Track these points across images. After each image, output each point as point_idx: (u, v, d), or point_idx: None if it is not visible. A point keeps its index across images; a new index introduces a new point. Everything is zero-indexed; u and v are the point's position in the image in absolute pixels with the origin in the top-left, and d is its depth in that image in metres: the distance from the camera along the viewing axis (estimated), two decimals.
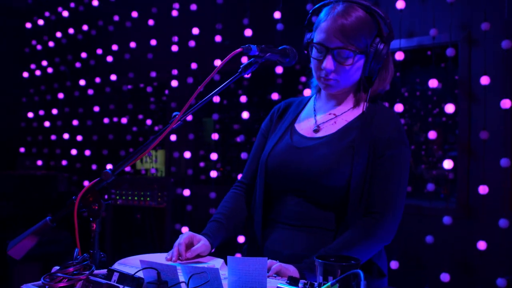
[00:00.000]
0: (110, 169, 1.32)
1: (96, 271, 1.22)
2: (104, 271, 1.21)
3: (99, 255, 1.33)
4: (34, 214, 4.68)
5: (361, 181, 1.48)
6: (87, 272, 1.13)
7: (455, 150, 3.68)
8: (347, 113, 1.61)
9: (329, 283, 0.94)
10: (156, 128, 5.27)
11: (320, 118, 1.64)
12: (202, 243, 1.49)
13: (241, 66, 1.38)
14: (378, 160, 1.50)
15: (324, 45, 1.52)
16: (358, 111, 1.60)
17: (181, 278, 1.12)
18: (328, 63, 1.51)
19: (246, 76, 1.40)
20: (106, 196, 4.42)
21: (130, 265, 1.34)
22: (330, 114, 1.63)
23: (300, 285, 1.05)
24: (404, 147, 1.53)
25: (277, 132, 1.69)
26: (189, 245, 1.48)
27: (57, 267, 1.20)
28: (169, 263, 1.39)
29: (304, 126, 1.66)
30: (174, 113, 1.34)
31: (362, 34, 1.51)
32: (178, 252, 1.44)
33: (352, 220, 1.48)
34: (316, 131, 1.61)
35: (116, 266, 1.33)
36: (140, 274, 1.11)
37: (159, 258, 1.44)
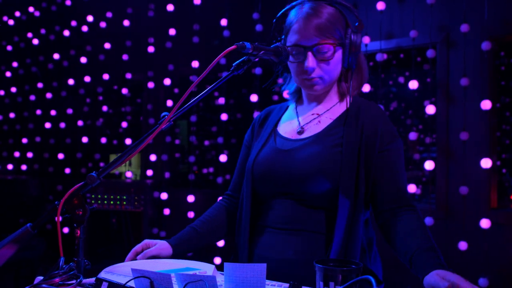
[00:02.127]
0: (95, 172, 1.26)
1: (83, 281, 1.15)
2: (92, 280, 1.15)
3: (83, 263, 1.27)
4: (5, 219, 4.54)
5: (351, 179, 1.45)
6: (74, 282, 1.07)
7: (434, 152, 3.70)
8: (331, 111, 1.59)
9: None
10: (132, 131, 5.18)
11: (303, 119, 1.62)
12: (156, 246, 1.53)
13: (233, 65, 1.34)
14: (378, 154, 1.48)
15: (301, 45, 1.50)
16: (342, 108, 1.58)
17: (176, 286, 1.06)
18: (311, 61, 1.49)
19: (238, 72, 1.35)
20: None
21: (118, 273, 1.27)
22: (313, 114, 1.61)
23: None
24: (399, 139, 1.55)
25: (260, 139, 1.66)
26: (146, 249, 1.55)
27: (40, 277, 1.13)
28: (162, 270, 1.33)
29: (288, 129, 1.63)
30: (163, 113, 1.28)
31: (336, 26, 1.50)
32: (133, 254, 1.52)
33: (341, 222, 1.42)
34: (300, 132, 1.58)
35: (103, 274, 1.26)
36: (131, 283, 1.05)
37: (148, 263, 1.38)
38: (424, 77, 3.76)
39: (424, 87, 3.77)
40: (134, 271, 1.05)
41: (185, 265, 1.38)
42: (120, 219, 4.42)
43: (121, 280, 1.07)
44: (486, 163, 3.14)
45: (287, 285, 1.20)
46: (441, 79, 3.51)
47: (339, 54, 1.53)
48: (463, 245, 3.17)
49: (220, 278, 1.22)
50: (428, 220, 3.27)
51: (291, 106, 1.71)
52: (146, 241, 1.56)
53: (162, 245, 1.54)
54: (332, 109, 1.60)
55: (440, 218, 3.45)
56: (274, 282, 1.27)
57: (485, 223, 3.10)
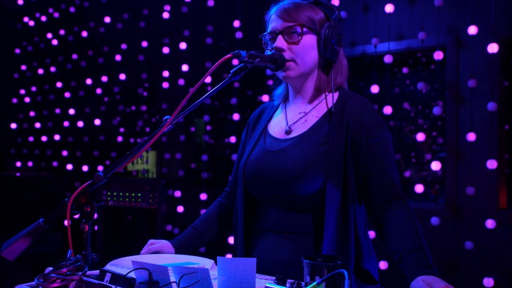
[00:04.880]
0: (102, 172, 1.34)
1: (88, 272, 1.24)
2: (97, 272, 1.24)
3: (91, 256, 1.36)
4: (25, 215, 4.68)
5: (339, 179, 1.46)
6: (80, 272, 1.16)
7: (444, 152, 3.73)
8: (316, 108, 1.61)
9: (314, 283, 0.98)
10: (147, 129, 5.29)
11: (291, 118, 1.64)
12: (159, 244, 1.63)
13: (231, 71, 1.41)
14: (365, 148, 1.49)
15: (272, 31, 1.59)
16: (328, 104, 1.60)
17: (172, 278, 1.15)
18: (279, 41, 1.55)
19: (235, 78, 1.42)
20: (99, 198, 4.44)
21: (122, 265, 1.36)
22: (300, 113, 1.63)
23: (287, 284, 1.08)
24: (386, 130, 1.55)
25: (252, 139, 1.70)
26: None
27: (51, 268, 1.22)
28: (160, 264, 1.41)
29: (276, 128, 1.66)
30: (165, 117, 1.36)
31: (306, 12, 1.57)
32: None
33: (331, 222, 1.44)
34: (288, 132, 1.60)
35: (109, 267, 1.35)
36: (132, 275, 1.14)
37: (151, 258, 1.47)
38: (434, 78, 3.79)
39: (434, 88, 3.80)
40: (134, 263, 1.14)
41: (186, 260, 1.47)
42: (135, 216, 4.54)
43: (124, 272, 1.16)
44: (492, 164, 3.17)
45: (273, 277, 1.27)
46: (450, 80, 3.54)
47: (310, 39, 1.56)
48: (471, 245, 3.20)
49: (216, 272, 1.30)
50: (435, 220, 3.30)
51: (281, 104, 1.74)
52: (151, 241, 1.66)
53: (164, 244, 1.64)
54: (318, 106, 1.61)
55: (449, 218, 3.49)
56: (267, 276, 1.34)
57: (491, 224, 3.12)
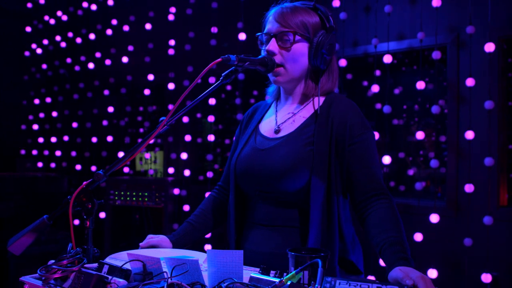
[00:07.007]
0: (102, 171, 1.42)
1: (89, 265, 1.32)
2: (96, 264, 1.31)
3: (92, 250, 1.44)
4: (34, 215, 4.77)
5: (323, 176, 1.53)
6: (79, 264, 1.23)
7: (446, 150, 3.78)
8: (304, 109, 1.68)
9: (293, 272, 1.04)
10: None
11: (280, 118, 1.72)
12: (157, 239, 1.72)
13: (222, 75, 1.48)
14: (349, 147, 1.55)
15: (267, 33, 1.65)
16: (315, 105, 1.67)
17: (165, 269, 1.22)
18: (271, 45, 1.62)
19: (227, 81, 1.50)
20: (106, 197, 4.53)
21: (120, 259, 1.44)
22: (289, 113, 1.71)
23: (271, 274, 1.15)
24: (370, 130, 1.60)
25: (244, 137, 1.78)
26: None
27: (53, 261, 1.30)
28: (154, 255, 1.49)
29: (267, 127, 1.74)
30: (161, 118, 1.43)
31: (301, 16, 1.63)
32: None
33: (316, 217, 1.51)
34: (277, 131, 1.68)
35: (107, 260, 1.43)
36: (128, 266, 1.21)
37: (147, 252, 1.54)
38: (435, 78, 3.84)
39: (435, 87, 3.84)
40: (129, 255, 1.21)
41: (181, 254, 1.54)
42: (142, 215, 4.62)
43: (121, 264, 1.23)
44: (490, 161, 3.21)
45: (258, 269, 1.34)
46: (451, 79, 3.59)
47: (302, 46, 1.63)
48: (471, 242, 3.25)
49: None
50: (437, 217, 3.35)
51: (273, 104, 1.83)
52: (150, 236, 1.75)
53: (162, 238, 1.73)
54: (306, 107, 1.69)
55: (450, 215, 3.53)
56: (255, 268, 1.41)
57: (489, 220, 3.16)
